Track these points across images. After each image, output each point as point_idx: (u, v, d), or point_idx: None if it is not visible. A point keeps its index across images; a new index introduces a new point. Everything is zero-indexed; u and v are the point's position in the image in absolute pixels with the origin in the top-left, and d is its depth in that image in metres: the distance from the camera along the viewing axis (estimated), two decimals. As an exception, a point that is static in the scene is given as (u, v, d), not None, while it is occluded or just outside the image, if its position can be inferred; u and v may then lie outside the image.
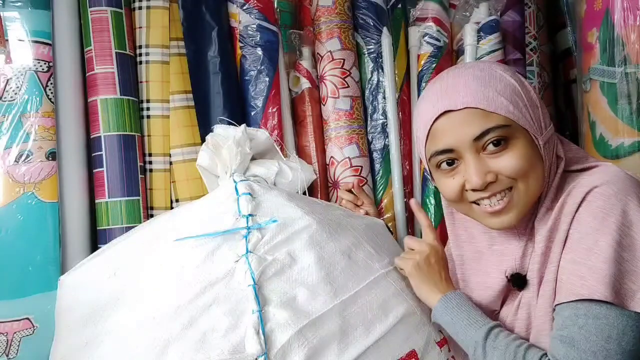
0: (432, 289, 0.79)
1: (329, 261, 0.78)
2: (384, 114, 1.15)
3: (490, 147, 0.69)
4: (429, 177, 1.11)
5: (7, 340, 0.89)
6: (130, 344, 0.73)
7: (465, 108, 0.69)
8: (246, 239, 0.77)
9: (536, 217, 0.74)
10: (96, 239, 1.00)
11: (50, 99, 0.96)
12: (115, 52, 1.01)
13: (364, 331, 0.74)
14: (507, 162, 0.69)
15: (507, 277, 0.76)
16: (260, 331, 0.69)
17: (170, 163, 1.04)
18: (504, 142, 0.69)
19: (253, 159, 0.96)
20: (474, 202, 0.73)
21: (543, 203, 0.73)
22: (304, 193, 0.99)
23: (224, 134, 0.94)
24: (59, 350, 0.83)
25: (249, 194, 0.82)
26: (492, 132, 0.69)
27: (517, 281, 0.75)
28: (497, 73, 0.72)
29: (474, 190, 0.71)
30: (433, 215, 1.11)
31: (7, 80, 0.94)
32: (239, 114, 1.04)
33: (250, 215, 0.80)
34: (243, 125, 0.95)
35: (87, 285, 0.83)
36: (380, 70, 1.15)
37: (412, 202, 0.91)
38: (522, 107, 0.70)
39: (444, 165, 0.73)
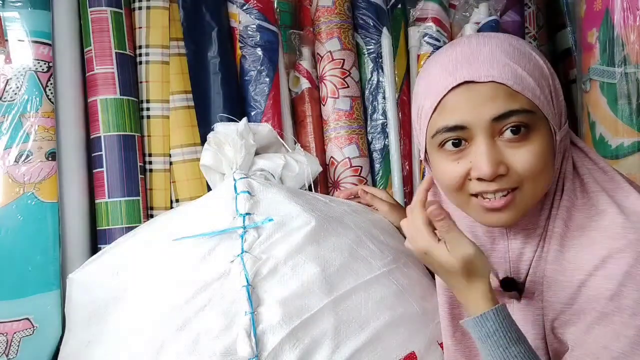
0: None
1: (326, 258, 0.77)
2: (384, 114, 1.15)
3: (508, 134, 0.60)
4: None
5: (7, 340, 0.89)
6: (127, 344, 0.73)
7: (489, 82, 0.60)
8: (242, 239, 0.76)
9: (545, 217, 0.67)
10: (96, 239, 1.00)
11: (50, 99, 0.96)
12: (115, 52, 1.01)
13: (357, 328, 0.73)
14: (524, 157, 0.60)
15: (499, 280, 0.70)
16: (252, 333, 0.68)
17: (171, 163, 1.04)
18: (524, 130, 0.60)
19: (257, 153, 0.96)
20: (474, 195, 0.64)
21: (554, 205, 0.66)
22: (310, 185, 0.98)
23: (226, 131, 0.94)
24: (66, 348, 0.84)
25: (248, 192, 0.82)
26: (516, 116, 0.60)
27: (509, 286, 0.69)
28: (526, 50, 0.63)
29: (480, 180, 0.62)
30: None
31: (7, 81, 0.94)
32: (239, 114, 1.04)
33: (247, 214, 0.79)
34: (244, 119, 0.95)
35: (93, 284, 0.83)
36: (380, 71, 1.15)
37: None
38: (547, 93, 0.62)
39: (449, 145, 0.63)
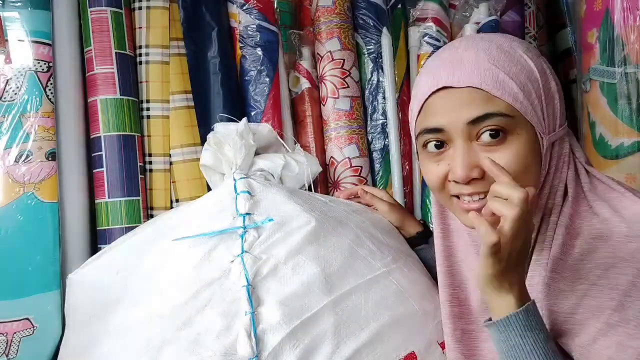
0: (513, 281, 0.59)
1: (326, 258, 0.77)
2: (384, 114, 1.15)
3: (486, 137, 0.62)
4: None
5: (7, 340, 0.89)
6: (127, 344, 0.72)
7: (467, 87, 0.61)
8: (242, 239, 0.76)
9: (546, 222, 0.66)
10: (96, 239, 1.00)
11: (50, 99, 0.96)
12: (115, 52, 1.01)
13: (357, 328, 0.73)
14: (500, 161, 0.60)
15: None
16: (252, 333, 0.68)
17: (171, 163, 1.04)
18: (502, 134, 0.61)
19: (257, 154, 0.95)
20: (454, 196, 0.66)
21: (554, 210, 0.65)
22: (310, 186, 0.98)
23: (226, 131, 0.94)
24: (66, 348, 0.84)
25: (248, 192, 0.82)
26: (491, 119, 0.61)
27: None
28: (516, 53, 0.63)
29: (456, 182, 0.64)
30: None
31: (7, 81, 0.94)
32: (239, 114, 1.04)
33: (247, 214, 0.79)
34: (244, 119, 0.95)
35: (93, 284, 0.83)
36: (380, 71, 1.15)
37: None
38: (534, 97, 0.62)
39: (431, 146, 0.66)
